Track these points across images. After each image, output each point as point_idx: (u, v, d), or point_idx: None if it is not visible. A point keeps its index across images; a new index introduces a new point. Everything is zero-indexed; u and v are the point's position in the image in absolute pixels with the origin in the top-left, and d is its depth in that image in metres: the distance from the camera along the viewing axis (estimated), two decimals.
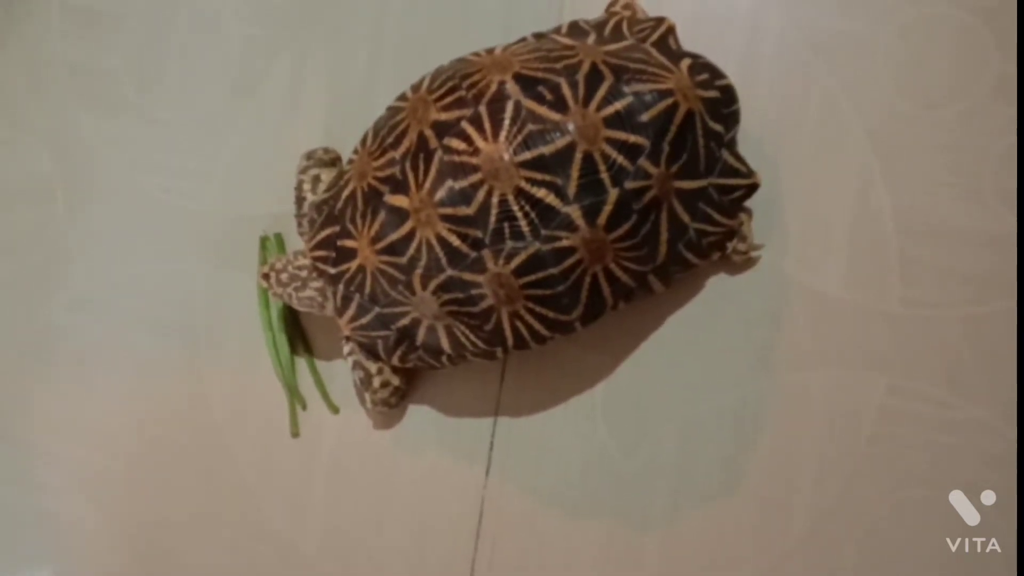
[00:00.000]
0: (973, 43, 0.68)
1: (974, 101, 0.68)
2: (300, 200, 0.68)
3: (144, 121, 0.76)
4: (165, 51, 0.76)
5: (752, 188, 0.63)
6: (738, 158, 0.63)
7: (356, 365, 0.67)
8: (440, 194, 0.56)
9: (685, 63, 0.60)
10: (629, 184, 0.56)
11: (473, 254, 0.57)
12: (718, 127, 0.61)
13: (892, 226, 0.67)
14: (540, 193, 0.55)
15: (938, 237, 0.67)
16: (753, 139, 0.67)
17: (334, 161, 0.70)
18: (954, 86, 0.68)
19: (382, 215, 0.59)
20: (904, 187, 0.67)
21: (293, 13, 0.75)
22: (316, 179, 0.68)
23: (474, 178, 0.56)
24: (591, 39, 0.62)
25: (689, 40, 0.64)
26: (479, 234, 0.56)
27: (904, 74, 0.68)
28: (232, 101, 0.75)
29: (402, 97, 0.62)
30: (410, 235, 0.58)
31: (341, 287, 0.63)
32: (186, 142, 0.75)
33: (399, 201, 0.58)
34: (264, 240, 0.72)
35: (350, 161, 0.64)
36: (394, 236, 0.58)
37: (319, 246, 0.64)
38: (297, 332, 0.72)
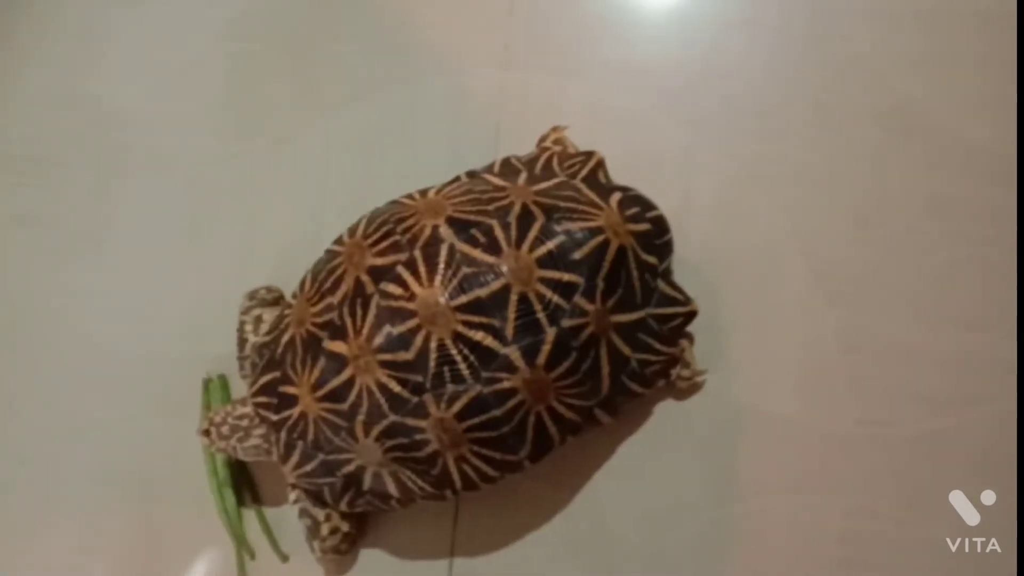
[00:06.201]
0: (901, 162, 0.70)
1: (908, 220, 0.69)
2: (242, 342, 0.67)
3: (92, 268, 0.75)
4: (113, 196, 0.76)
5: (690, 315, 0.64)
6: (674, 287, 0.64)
7: (303, 512, 0.64)
8: (378, 340, 0.55)
9: (615, 198, 0.61)
10: (566, 322, 0.56)
11: (415, 399, 0.56)
12: (651, 259, 0.61)
13: (838, 346, 0.67)
14: (478, 336, 0.55)
15: (886, 356, 0.67)
16: (691, 266, 0.67)
17: (277, 300, 0.70)
18: (887, 206, 0.69)
19: (322, 361, 0.58)
20: (847, 307, 0.68)
21: (242, 154, 0.76)
22: (258, 320, 0.67)
23: (411, 323, 0.55)
24: (522, 177, 0.63)
25: (623, 172, 0.65)
26: (420, 379, 0.55)
27: (838, 196, 0.70)
28: (182, 245, 0.75)
29: (339, 241, 0.62)
30: (350, 381, 0.57)
31: (284, 434, 0.61)
32: (135, 287, 0.75)
33: (338, 347, 0.57)
34: (207, 382, 0.71)
35: (289, 305, 0.63)
36: (334, 383, 0.57)
37: (261, 392, 0.62)
38: (244, 478, 0.69)
